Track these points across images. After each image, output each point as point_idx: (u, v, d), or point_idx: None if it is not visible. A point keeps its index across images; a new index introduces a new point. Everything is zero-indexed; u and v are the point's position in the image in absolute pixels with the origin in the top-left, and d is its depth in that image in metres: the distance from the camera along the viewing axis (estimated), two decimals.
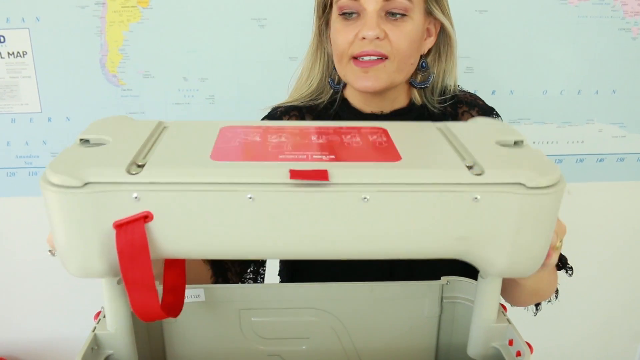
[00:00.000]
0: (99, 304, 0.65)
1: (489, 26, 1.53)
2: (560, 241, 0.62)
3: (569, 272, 0.92)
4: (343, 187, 0.51)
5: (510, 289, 0.82)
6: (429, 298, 0.75)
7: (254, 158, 0.54)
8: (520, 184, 0.51)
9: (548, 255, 0.57)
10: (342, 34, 0.92)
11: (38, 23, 1.47)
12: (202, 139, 0.59)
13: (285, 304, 0.74)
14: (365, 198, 0.51)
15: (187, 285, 0.70)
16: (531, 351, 0.61)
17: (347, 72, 0.94)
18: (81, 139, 0.58)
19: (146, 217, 0.51)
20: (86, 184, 0.49)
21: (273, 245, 0.53)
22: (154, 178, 0.50)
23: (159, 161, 0.53)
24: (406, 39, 0.90)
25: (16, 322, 1.81)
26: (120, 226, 0.51)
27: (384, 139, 0.61)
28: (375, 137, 0.61)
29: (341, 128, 0.64)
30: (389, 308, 0.75)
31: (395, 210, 0.52)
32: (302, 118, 1.02)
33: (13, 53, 1.48)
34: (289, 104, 1.04)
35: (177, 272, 0.67)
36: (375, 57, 0.90)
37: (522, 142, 0.59)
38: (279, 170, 0.51)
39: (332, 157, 0.55)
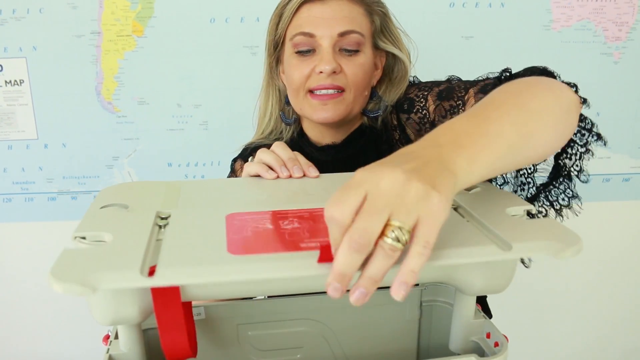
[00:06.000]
0: (98, 329, 0.69)
1: (475, 52, 1.58)
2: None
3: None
4: None
5: None
6: (410, 302, 0.80)
7: (276, 249, 0.52)
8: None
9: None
10: (298, 69, 0.95)
11: (35, 52, 1.50)
12: (210, 230, 0.57)
13: (280, 316, 0.77)
14: None
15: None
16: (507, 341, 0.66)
17: (304, 105, 0.96)
18: (76, 236, 0.53)
19: None
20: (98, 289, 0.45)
21: None
22: (172, 280, 0.47)
23: (172, 260, 0.49)
24: (361, 70, 0.94)
25: (14, 348, 1.80)
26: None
27: None
28: None
29: None
30: (374, 314, 0.78)
31: None
32: None
33: (10, 81, 1.52)
34: (258, 142, 1.07)
35: (187, 315, 0.71)
36: (332, 91, 0.93)
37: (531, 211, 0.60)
38: (307, 262, 0.49)
39: None
